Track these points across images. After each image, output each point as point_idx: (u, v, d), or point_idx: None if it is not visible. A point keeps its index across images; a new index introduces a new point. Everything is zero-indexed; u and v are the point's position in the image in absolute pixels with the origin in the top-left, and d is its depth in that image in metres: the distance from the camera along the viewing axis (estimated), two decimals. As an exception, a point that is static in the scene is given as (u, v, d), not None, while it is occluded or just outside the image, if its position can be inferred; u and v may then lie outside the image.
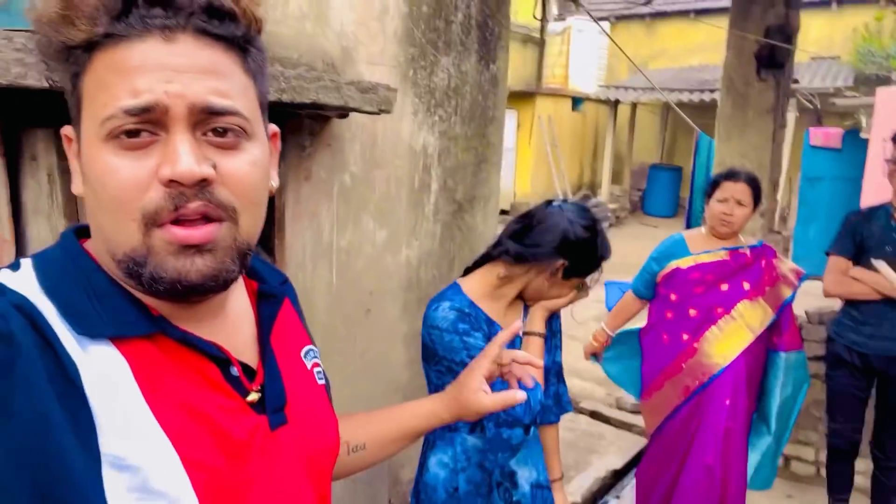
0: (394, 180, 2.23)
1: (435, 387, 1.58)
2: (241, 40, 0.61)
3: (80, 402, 0.54)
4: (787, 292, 2.48)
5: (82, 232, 0.66)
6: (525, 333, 1.57)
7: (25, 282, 0.58)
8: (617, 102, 12.54)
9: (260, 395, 0.68)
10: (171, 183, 0.56)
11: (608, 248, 1.55)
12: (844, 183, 7.78)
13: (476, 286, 1.55)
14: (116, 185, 0.56)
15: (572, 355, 5.47)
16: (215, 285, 0.61)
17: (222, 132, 0.59)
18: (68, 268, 0.61)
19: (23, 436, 0.50)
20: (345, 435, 0.89)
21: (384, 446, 0.99)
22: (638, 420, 3.99)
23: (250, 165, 0.61)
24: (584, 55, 13.17)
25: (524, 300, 1.62)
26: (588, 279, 1.58)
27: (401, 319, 2.36)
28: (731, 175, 2.46)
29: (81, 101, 0.58)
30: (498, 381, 1.20)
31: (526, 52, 12.45)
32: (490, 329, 1.51)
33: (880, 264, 1.96)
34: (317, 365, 0.83)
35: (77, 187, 0.62)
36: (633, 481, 2.85)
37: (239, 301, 0.73)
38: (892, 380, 2.65)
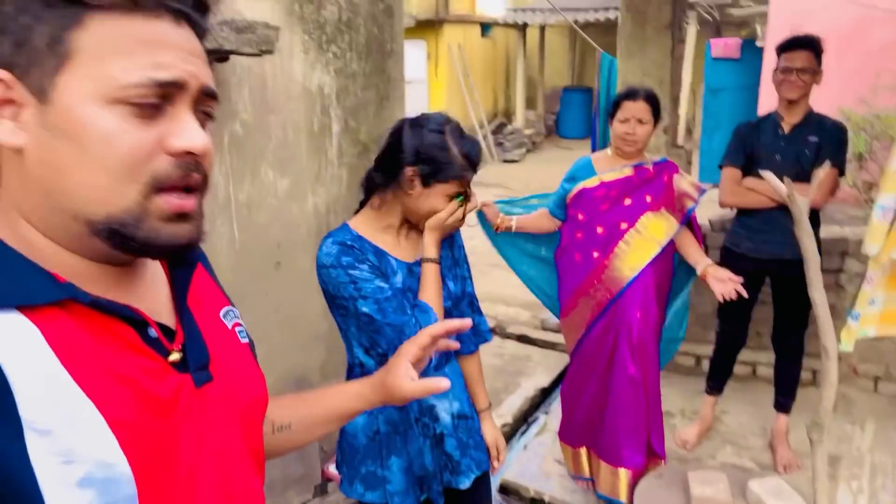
0: (291, 125, 2.13)
1: (344, 332, 1.56)
2: (206, 31, 0.67)
3: None
4: (689, 204, 2.58)
5: None
6: (421, 260, 1.52)
7: None
8: (525, 26, 12.41)
9: (181, 354, 0.68)
10: (185, 154, 0.61)
11: (467, 144, 1.47)
12: (744, 92, 8.11)
13: (361, 222, 1.53)
14: (127, 148, 0.58)
15: (496, 283, 5.61)
16: (195, 248, 0.67)
17: (207, 113, 0.66)
18: None
19: None
20: (270, 415, 0.90)
21: (311, 428, 1.00)
22: (562, 338, 4.15)
23: (210, 143, 0.68)
24: (489, -22, 12.88)
25: (415, 228, 1.57)
26: (464, 185, 1.49)
27: (313, 269, 2.29)
28: (630, 94, 2.49)
29: (70, 56, 0.57)
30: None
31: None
32: (381, 260, 1.48)
33: (767, 174, 2.07)
34: (238, 324, 0.83)
35: (13, 137, 0.58)
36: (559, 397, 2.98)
37: (151, 264, 0.73)
38: (785, 281, 2.83)
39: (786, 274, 2.78)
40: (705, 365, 3.71)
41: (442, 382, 0.95)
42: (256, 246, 2.05)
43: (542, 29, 12.72)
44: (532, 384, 3.79)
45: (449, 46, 11.86)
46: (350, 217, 1.57)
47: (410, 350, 1.02)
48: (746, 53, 8.08)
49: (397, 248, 1.53)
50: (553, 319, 4.43)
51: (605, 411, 2.64)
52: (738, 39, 8.23)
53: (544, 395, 3.79)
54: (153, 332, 0.67)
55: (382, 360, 1.49)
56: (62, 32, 0.57)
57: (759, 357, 3.58)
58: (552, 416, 3.47)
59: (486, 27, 13.11)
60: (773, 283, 2.93)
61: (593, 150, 3.41)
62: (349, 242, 1.44)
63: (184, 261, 0.76)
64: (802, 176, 2.49)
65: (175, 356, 0.68)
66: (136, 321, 0.65)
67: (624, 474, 2.59)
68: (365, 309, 1.40)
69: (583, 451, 2.77)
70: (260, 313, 2.10)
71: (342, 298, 1.42)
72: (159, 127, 0.60)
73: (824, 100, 2.78)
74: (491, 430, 1.78)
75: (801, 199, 1.87)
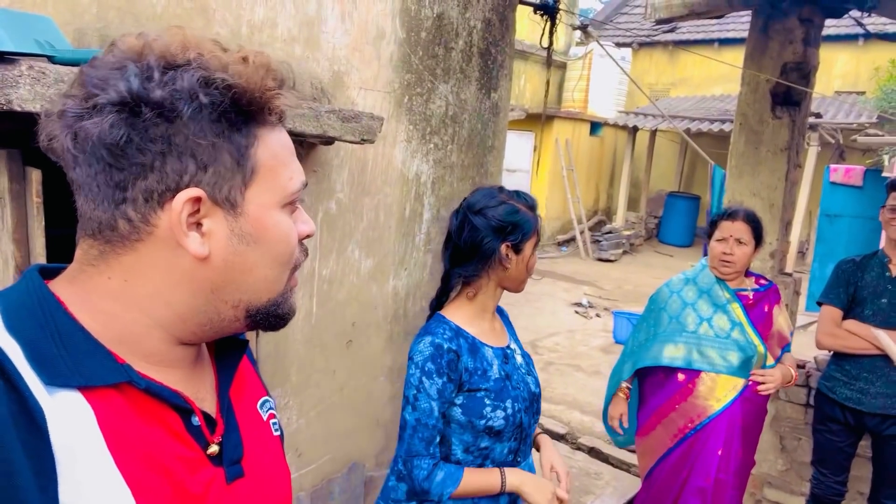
0: (383, 208, 2.17)
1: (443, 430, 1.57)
2: None
3: (45, 450, 0.53)
4: (783, 341, 2.41)
5: (45, 273, 0.65)
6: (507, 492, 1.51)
7: None
8: (636, 129, 12.45)
9: (219, 447, 0.68)
10: (306, 237, 0.70)
11: (522, 197, 1.54)
12: (865, 221, 7.63)
13: (457, 311, 1.56)
14: (294, 242, 0.67)
15: (574, 386, 5.37)
16: None
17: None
18: (35, 310, 0.59)
19: None
20: None
21: None
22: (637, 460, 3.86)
23: None
24: (604, 80, 13.11)
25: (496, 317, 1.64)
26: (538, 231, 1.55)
27: (385, 352, 2.28)
28: (728, 214, 2.39)
29: (256, 171, 0.63)
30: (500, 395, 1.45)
31: (545, 75, 12.41)
32: (476, 357, 1.50)
33: (881, 335, 1.87)
34: (273, 416, 0.82)
35: (202, 248, 0.61)
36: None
37: (203, 348, 0.74)
38: (885, 439, 2.53)
39: (888, 432, 2.49)
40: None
41: None
42: (331, 322, 2.06)
43: (653, 133, 12.70)
44: (597, 506, 3.51)
45: (556, 140, 12.05)
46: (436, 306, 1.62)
47: None
48: (870, 182, 7.68)
49: (491, 335, 1.57)
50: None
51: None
52: (861, 167, 7.88)
53: (610, 520, 3.49)
54: (197, 420, 0.66)
55: (485, 452, 1.51)
56: (247, 150, 0.62)
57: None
58: (615, 546, 3.17)
59: (596, 126, 13.26)
60: (873, 440, 2.62)
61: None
62: (446, 346, 1.46)
63: (233, 348, 0.77)
64: None
65: (213, 449, 0.67)
66: (183, 408, 0.65)
67: None
68: (406, 416, 1.46)
69: None
70: (325, 390, 2.08)
71: (405, 393, 1.48)
72: (293, 219, 0.68)
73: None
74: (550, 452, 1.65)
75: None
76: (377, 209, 2.14)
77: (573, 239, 12.12)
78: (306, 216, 0.70)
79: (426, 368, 1.44)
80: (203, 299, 0.64)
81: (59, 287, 0.62)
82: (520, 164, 11.68)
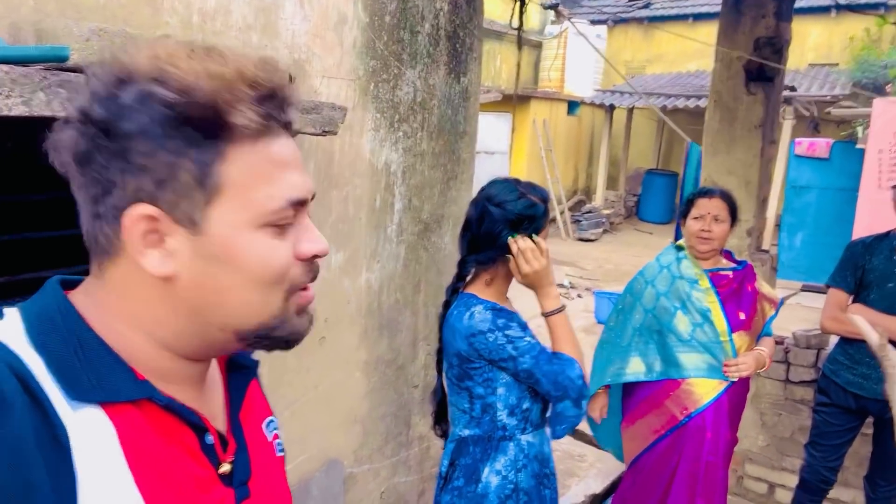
0: (353, 200, 2.11)
1: (482, 400, 1.64)
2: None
3: (66, 468, 0.53)
4: (763, 320, 2.40)
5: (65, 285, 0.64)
6: (547, 315, 1.64)
7: (13, 333, 0.57)
8: (613, 107, 12.42)
9: (231, 466, 0.68)
10: (314, 258, 0.65)
11: (537, 191, 1.65)
12: (835, 192, 7.76)
13: (482, 292, 1.66)
14: (278, 264, 0.62)
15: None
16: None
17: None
18: (57, 323, 0.59)
19: (5, 501, 0.50)
20: None
21: None
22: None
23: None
24: (580, 59, 13.05)
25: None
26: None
27: (359, 347, 2.23)
28: (704, 192, 2.38)
29: (219, 189, 0.58)
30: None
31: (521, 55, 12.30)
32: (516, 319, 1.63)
33: (857, 318, 1.86)
34: (277, 437, 0.82)
35: (163, 266, 0.59)
36: (610, 511, 2.74)
37: (212, 367, 0.74)
38: (886, 422, 2.53)
39: (888, 416, 2.49)
40: (779, 493, 3.36)
41: None
42: (303, 319, 2.01)
43: (630, 110, 12.70)
44: (582, 489, 3.52)
45: (533, 121, 11.99)
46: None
47: None
48: (837, 154, 7.78)
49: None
50: (612, 418, 4.15)
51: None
52: (826, 140, 7.98)
53: (595, 502, 3.50)
54: (210, 438, 0.66)
55: (525, 414, 1.64)
56: (209, 168, 0.58)
57: (840, 494, 3.19)
58: (601, 528, 3.19)
59: (573, 105, 13.21)
60: (875, 422, 2.63)
61: (677, 238, 3.27)
62: (498, 307, 1.59)
63: (244, 368, 0.76)
64: None
65: (225, 468, 0.67)
66: (197, 426, 0.65)
67: None
68: (525, 365, 1.54)
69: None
70: (299, 389, 2.03)
71: (501, 361, 1.55)
72: (290, 237, 0.63)
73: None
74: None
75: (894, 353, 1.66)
76: (346, 201, 2.08)
77: (553, 220, 12.12)
78: (314, 234, 0.65)
79: (500, 324, 1.55)
80: (186, 321, 0.62)
81: (77, 300, 0.62)
82: (497, 146, 11.62)
